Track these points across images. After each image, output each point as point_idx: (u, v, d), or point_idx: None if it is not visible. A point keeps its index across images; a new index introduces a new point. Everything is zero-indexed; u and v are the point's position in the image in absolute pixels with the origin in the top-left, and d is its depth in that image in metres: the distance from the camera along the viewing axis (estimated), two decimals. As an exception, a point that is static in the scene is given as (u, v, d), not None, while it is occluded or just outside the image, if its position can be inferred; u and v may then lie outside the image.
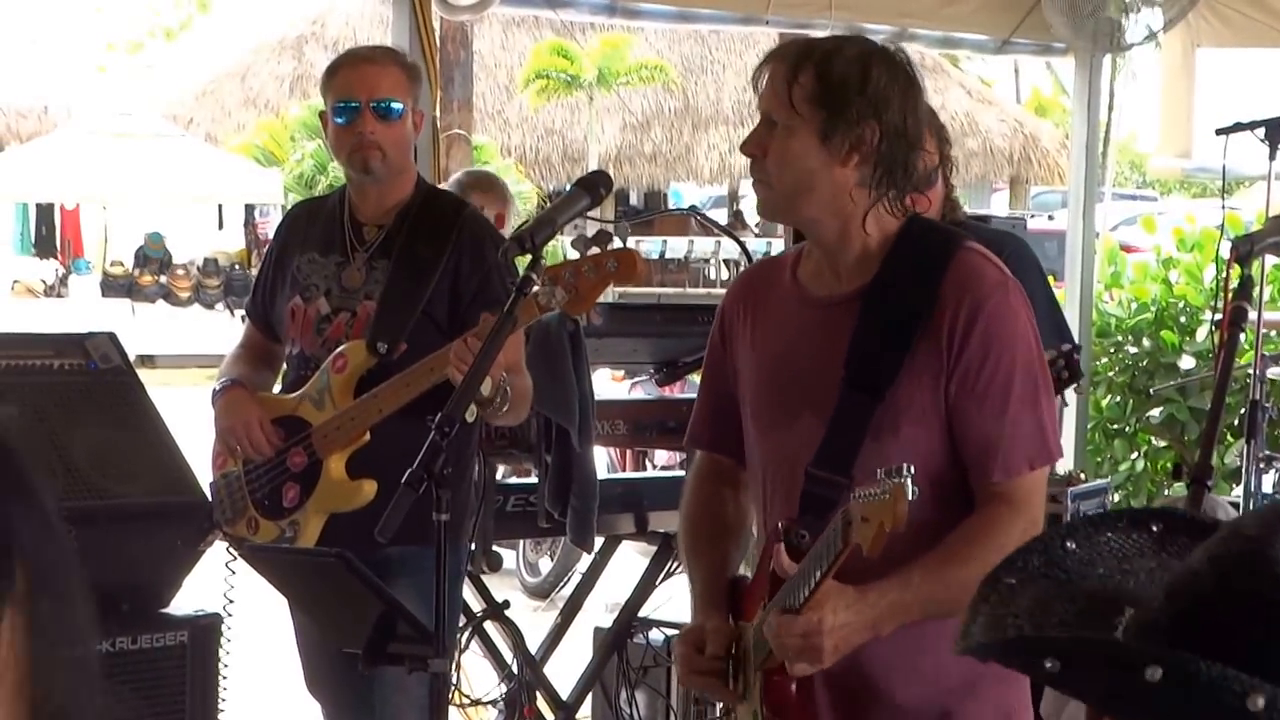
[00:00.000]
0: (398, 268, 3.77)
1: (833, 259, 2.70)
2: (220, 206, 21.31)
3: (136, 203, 20.85)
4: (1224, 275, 2.98)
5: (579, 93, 22.81)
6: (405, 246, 3.78)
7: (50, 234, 21.77)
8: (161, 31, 40.66)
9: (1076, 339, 7.06)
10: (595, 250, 3.05)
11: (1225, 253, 3.68)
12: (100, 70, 37.99)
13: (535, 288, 2.98)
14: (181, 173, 19.52)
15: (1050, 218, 19.44)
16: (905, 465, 2.28)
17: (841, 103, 2.57)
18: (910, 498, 2.26)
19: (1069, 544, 1.20)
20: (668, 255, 22.93)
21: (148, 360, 18.70)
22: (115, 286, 20.77)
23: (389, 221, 3.84)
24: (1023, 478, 2.60)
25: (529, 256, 2.91)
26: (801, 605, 2.47)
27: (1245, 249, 3.02)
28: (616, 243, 3.18)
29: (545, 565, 8.79)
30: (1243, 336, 3.49)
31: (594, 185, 3.03)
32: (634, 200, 26.09)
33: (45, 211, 21.75)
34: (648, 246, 22.52)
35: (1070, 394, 5.45)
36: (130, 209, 21.32)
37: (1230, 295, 3.00)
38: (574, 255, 3.10)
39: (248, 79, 23.14)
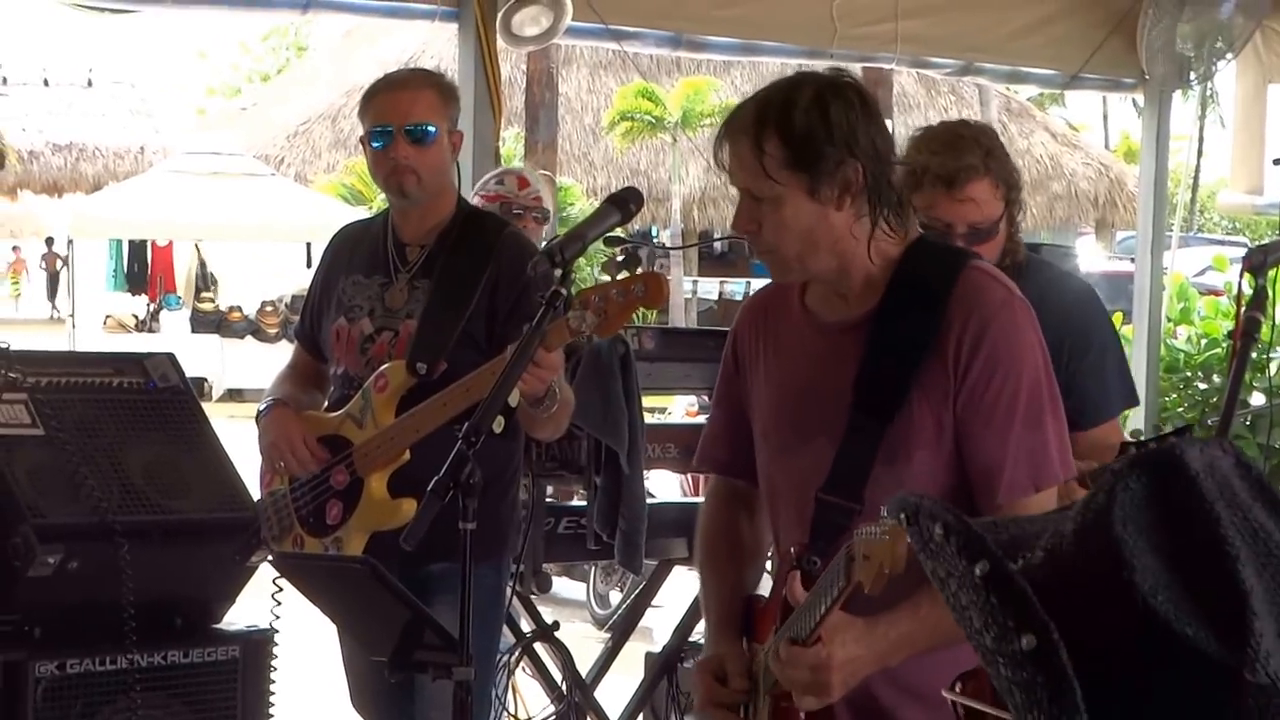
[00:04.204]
0: (438, 287, 3.81)
1: (838, 287, 2.67)
2: (309, 245, 21.54)
3: (227, 240, 21.16)
4: (1238, 286, 2.98)
5: (663, 135, 22.90)
6: (446, 266, 3.82)
7: (142, 270, 22.17)
8: (258, 75, 41.36)
9: (1144, 375, 7.03)
10: (624, 275, 3.08)
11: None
12: (200, 114, 38.67)
13: (567, 309, 3.02)
14: (271, 211, 19.79)
15: (1133, 260, 19.25)
16: None
17: (816, 156, 2.53)
18: (910, 539, 2.23)
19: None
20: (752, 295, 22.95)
21: (236, 394, 18.99)
22: (204, 322, 21.11)
23: (431, 242, 3.88)
24: (1028, 499, 2.53)
25: (559, 271, 2.95)
26: (809, 637, 2.45)
27: (1259, 259, 3.03)
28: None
29: (615, 597, 8.83)
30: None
31: (624, 201, 3.05)
32: (718, 244, 26.09)
33: (138, 248, 22.17)
34: (732, 287, 22.57)
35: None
36: (221, 246, 21.64)
37: (1243, 306, 3.01)
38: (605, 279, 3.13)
39: (338, 121, 23.44)
